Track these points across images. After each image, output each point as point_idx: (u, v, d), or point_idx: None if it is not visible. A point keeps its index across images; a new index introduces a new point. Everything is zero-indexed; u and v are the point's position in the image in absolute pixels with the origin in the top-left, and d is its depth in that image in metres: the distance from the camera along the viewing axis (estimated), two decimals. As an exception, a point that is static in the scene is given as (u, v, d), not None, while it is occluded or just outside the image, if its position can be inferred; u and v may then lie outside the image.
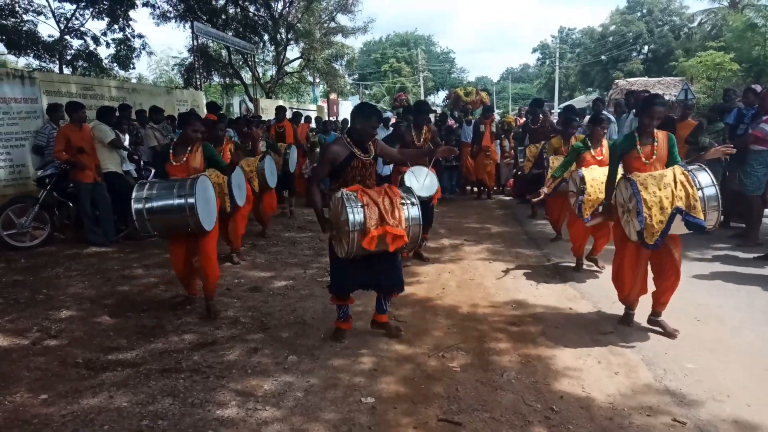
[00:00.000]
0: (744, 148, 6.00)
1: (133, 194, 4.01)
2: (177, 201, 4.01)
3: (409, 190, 3.75)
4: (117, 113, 7.47)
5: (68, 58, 17.56)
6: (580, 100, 25.32)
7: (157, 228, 4.13)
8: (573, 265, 5.71)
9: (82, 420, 2.88)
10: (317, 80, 27.08)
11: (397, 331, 3.97)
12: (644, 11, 43.78)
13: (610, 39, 44.50)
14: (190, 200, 4.00)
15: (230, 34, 19.12)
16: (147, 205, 4.00)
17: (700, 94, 19.68)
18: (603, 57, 44.61)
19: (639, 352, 3.65)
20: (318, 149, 11.14)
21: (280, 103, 18.50)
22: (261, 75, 23.97)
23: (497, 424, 2.81)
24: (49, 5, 16.51)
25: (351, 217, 3.33)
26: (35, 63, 16.93)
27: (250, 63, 22.08)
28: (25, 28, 16.14)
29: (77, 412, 2.95)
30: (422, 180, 5.58)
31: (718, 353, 3.56)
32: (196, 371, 3.41)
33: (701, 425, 2.77)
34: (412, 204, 3.59)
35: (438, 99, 56.36)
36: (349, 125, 3.91)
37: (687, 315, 4.21)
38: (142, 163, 7.90)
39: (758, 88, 6.87)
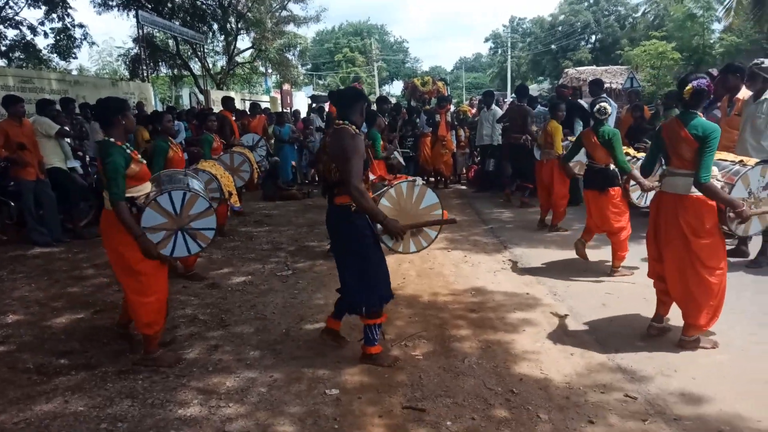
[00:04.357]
0: None
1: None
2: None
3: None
4: (58, 106, 7.15)
5: (3, 48, 16.67)
6: (533, 89, 25.87)
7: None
8: (529, 250, 5.94)
9: (37, 426, 2.77)
10: (269, 71, 26.63)
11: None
12: (591, 1, 44.95)
13: (559, 29, 45.55)
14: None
15: (177, 23, 18.54)
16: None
17: (644, 82, 20.42)
18: (553, 46, 45.63)
19: (593, 332, 3.80)
20: (273, 141, 11.02)
21: (232, 94, 18.14)
22: (211, 66, 23.36)
23: (460, 408, 2.88)
24: (-21, -7, 15.63)
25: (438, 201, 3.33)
26: (-33, 54, 15.99)
27: (199, 53, 21.47)
28: (-47, 18, 15.23)
29: (30, 419, 2.84)
30: None
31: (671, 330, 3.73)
32: (154, 371, 3.33)
33: (651, 399, 2.92)
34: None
35: (393, 89, 56.50)
36: (345, 110, 3.25)
37: (637, 295, 4.39)
38: (87, 158, 7.60)
39: (715, 72, 6.81)
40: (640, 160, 4.98)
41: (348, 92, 3.42)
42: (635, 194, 4.92)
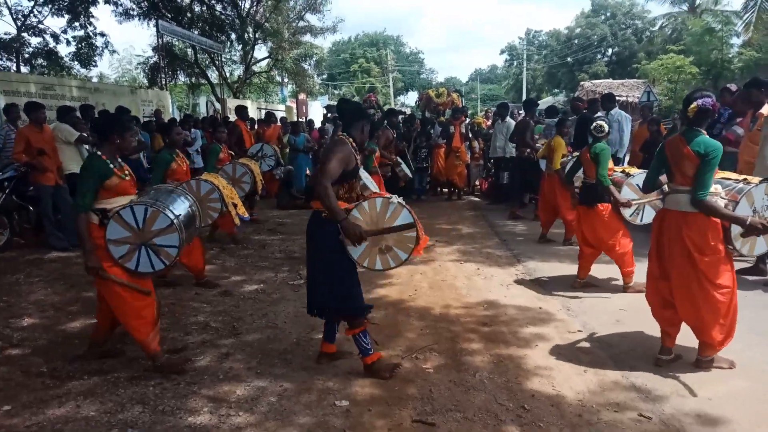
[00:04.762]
0: None
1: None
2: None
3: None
4: (78, 113, 7.27)
5: (26, 56, 17.05)
6: (547, 101, 25.81)
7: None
8: (542, 264, 5.92)
9: (49, 430, 2.80)
10: (286, 80, 26.88)
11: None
12: (608, 14, 44.80)
13: (576, 41, 45.42)
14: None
15: (196, 32, 18.81)
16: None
17: (661, 96, 20.25)
18: (569, 59, 45.46)
19: (606, 349, 3.75)
20: (287, 150, 11.10)
21: (248, 103, 18.31)
22: (228, 75, 23.64)
23: (470, 423, 2.85)
24: (5, 2, 16.00)
25: (413, 222, 3.15)
26: (-9, 61, 16.37)
27: (216, 62, 21.75)
28: (-21, 25, 15.59)
29: (43, 423, 2.86)
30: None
31: (682, 351, 3.67)
32: (166, 378, 3.35)
33: (666, 419, 2.86)
34: None
35: (407, 99, 56.57)
36: (346, 125, 3.32)
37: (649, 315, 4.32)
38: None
39: (733, 87, 6.73)
40: (632, 177, 4.94)
41: (350, 108, 3.42)
42: (627, 212, 4.83)
